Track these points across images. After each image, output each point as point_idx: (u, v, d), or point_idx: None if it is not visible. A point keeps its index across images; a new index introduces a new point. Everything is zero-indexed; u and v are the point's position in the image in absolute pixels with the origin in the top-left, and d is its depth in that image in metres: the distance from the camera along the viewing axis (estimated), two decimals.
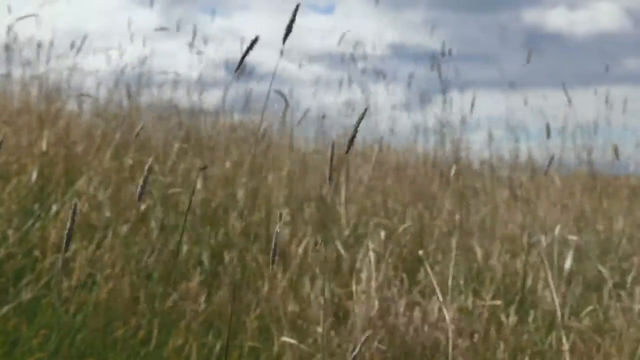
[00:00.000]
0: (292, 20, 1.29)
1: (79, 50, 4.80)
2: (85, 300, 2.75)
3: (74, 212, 1.22)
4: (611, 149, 4.19)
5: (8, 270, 2.91)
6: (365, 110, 1.29)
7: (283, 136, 5.30)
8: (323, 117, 5.13)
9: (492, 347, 2.91)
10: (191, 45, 4.98)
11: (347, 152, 1.28)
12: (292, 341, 2.78)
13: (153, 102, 5.14)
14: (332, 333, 2.90)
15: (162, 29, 4.89)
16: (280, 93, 4.11)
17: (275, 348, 2.84)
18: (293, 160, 4.73)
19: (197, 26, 5.12)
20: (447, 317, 2.68)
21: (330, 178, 1.30)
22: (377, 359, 2.77)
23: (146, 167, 1.24)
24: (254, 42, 1.33)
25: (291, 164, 4.66)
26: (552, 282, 3.23)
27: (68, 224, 1.22)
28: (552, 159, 2.47)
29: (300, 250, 3.50)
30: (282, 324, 3.00)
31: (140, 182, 1.23)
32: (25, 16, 4.60)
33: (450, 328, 2.70)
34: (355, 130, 1.25)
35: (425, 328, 2.87)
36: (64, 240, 1.23)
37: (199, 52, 5.03)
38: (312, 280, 3.30)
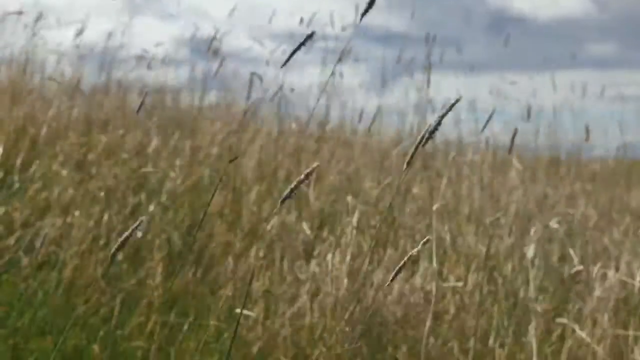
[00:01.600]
0: None
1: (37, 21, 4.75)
2: (47, 278, 2.75)
3: (136, 227, 1.14)
4: (577, 131, 4.23)
5: None
6: (457, 100, 1.25)
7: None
8: (292, 90, 5.05)
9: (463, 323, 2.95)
10: (156, 22, 4.94)
11: (423, 145, 1.26)
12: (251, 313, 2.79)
13: (119, 79, 5.11)
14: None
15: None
16: (257, 75, 4.08)
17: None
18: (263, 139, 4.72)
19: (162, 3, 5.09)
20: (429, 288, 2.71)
21: (408, 163, 1.28)
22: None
23: None
24: (309, 37, 1.31)
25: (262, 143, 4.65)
26: (515, 264, 3.27)
27: (123, 236, 1.14)
28: (514, 134, 2.46)
29: (270, 227, 3.51)
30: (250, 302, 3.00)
31: None
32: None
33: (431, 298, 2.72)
34: (439, 123, 1.23)
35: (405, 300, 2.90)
36: (111, 253, 1.17)
37: (164, 29, 4.98)
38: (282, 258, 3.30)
